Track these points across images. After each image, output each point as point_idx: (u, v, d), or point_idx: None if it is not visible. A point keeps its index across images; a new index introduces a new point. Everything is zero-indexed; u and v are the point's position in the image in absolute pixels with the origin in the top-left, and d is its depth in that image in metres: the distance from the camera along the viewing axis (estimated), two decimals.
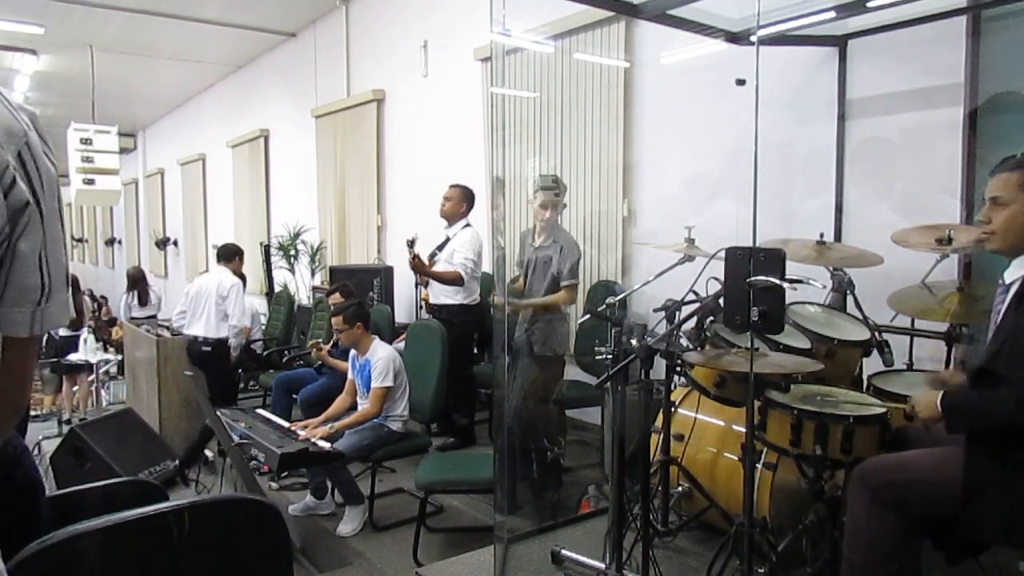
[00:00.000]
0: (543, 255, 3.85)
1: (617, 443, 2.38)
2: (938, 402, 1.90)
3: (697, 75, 4.01)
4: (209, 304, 5.22)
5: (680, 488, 2.74)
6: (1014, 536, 1.83)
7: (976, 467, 1.83)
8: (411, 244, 4.48)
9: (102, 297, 13.13)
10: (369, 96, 7.08)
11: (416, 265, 4.57)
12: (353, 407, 3.95)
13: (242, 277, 5.60)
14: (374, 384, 3.73)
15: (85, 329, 7.73)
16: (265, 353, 6.38)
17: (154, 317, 7.48)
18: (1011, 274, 1.89)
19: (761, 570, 2.29)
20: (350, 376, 4.01)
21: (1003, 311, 1.90)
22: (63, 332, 8.01)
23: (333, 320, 3.94)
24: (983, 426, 1.86)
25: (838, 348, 2.64)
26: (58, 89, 11.12)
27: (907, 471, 1.94)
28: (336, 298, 4.66)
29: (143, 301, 8.03)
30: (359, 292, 5.36)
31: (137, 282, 8.13)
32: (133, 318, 7.43)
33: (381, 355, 3.79)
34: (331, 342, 4.73)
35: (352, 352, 3.97)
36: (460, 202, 4.72)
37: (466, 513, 3.78)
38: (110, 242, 18.50)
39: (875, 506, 1.92)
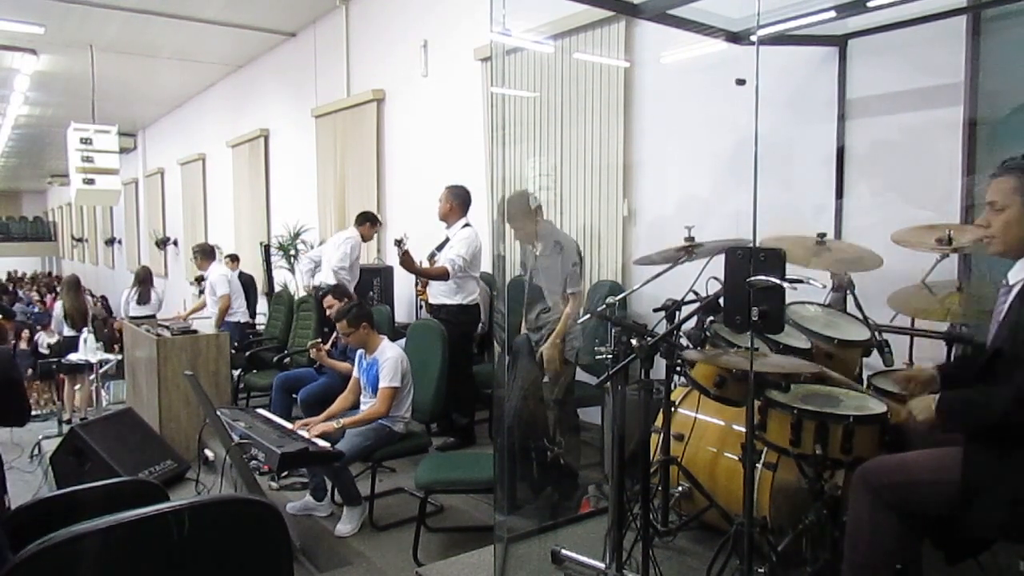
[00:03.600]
0: (543, 263, 3.84)
1: (617, 443, 2.38)
2: (934, 404, 1.91)
3: (697, 75, 4.01)
4: (331, 258, 5.72)
5: (680, 488, 2.74)
6: (1014, 532, 1.83)
7: (976, 464, 1.83)
8: (399, 243, 4.51)
9: (101, 296, 13.11)
10: (369, 96, 7.08)
11: (404, 262, 4.58)
12: (355, 406, 3.95)
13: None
14: (382, 384, 3.72)
15: (85, 329, 7.74)
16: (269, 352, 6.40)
17: (153, 317, 7.49)
18: (1015, 275, 1.90)
19: (761, 570, 2.29)
20: (355, 374, 4.01)
21: (1005, 311, 1.91)
22: (66, 332, 8.04)
23: (338, 325, 3.93)
24: (979, 424, 1.87)
25: (838, 348, 2.63)
26: (58, 89, 11.13)
27: (909, 472, 1.94)
28: (330, 301, 4.64)
29: (142, 300, 8.07)
30: (358, 292, 5.36)
31: (142, 282, 8.18)
32: (132, 317, 7.44)
33: (390, 355, 3.78)
34: (330, 342, 4.72)
35: (360, 351, 3.96)
36: (447, 202, 4.73)
37: (466, 513, 3.78)
38: (110, 242, 18.54)
39: (877, 507, 1.92)
